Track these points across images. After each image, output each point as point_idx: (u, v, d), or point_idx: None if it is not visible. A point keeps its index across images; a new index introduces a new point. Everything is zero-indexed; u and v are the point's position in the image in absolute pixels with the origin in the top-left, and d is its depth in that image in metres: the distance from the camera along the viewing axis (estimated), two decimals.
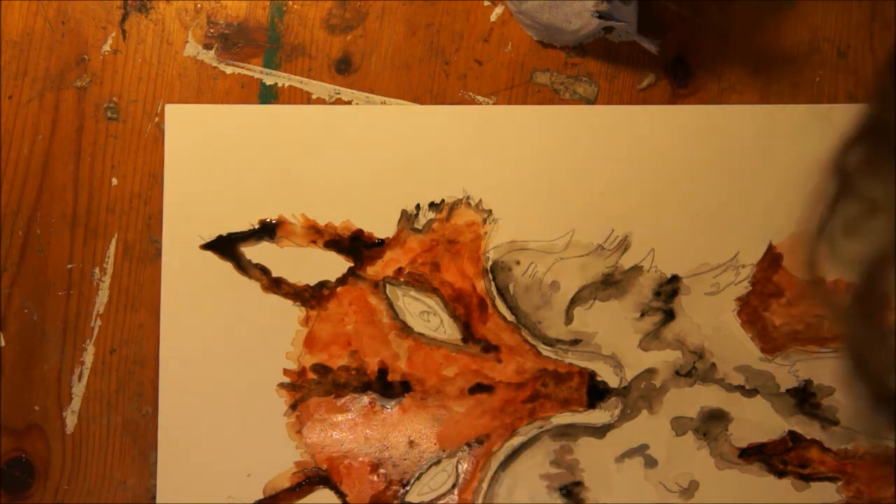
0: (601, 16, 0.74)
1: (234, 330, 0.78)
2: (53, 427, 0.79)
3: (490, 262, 0.78)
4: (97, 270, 0.79)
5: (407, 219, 0.78)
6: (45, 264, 0.79)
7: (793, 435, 0.77)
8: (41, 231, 0.79)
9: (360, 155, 0.79)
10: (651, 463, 0.77)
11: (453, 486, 0.77)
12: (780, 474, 0.76)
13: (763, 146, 0.78)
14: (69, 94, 0.80)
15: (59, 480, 0.79)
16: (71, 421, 0.79)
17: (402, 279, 0.78)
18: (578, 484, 0.77)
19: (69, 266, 0.79)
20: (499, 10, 0.80)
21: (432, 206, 0.79)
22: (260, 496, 0.78)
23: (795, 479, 0.76)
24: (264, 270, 0.79)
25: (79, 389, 0.79)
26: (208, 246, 0.79)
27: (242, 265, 0.79)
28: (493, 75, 0.80)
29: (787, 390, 0.77)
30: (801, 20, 0.80)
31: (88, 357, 0.79)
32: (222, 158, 0.79)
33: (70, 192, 0.79)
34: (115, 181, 0.79)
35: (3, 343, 0.79)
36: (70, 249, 0.79)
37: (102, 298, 0.79)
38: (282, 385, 0.78)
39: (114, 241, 0.79)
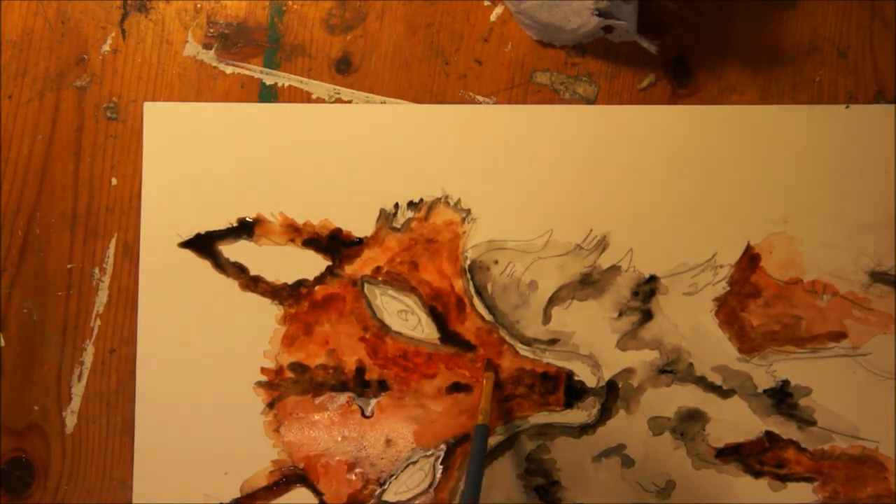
0: (601, 14, 0.74)
1: (212, 328, 0.78)
2: (53, 427, 0.79)
3: (468, 262, 0.78)
4: (97, 270, 0.79)
5: (385, 218, 0.78)
6: (45, 264, 0.79)
7: (770, 435, 0.77)
8: (41, 231, 0.80)
9: (339, 153, 0.79)
10: (628, 463, 0.77)
11: (430, 485, 0.78)
12: (757, 474, 0.76)
13: (740, 147, 0.78)
14: (69, 94, 0.80)
15: (59, 480, 0.79)
16: (71, 421, 0.79)
17: (380, 278, 0.78)
18: (555, 484, 0.77)
19: (69, 266, 0.79)
20: (499, 9, 0.80)
21: (411, 205, 0.78)
22: (237, 495, 0.78)
23: (772, 479, 0.76)
24: (242, 269, 0.79)
25: (78, 389, 0.79)
26: (186, 244, 0.79)
27: (220, 263, 0.79)
28: (493, 75, 0.79)
29: (765, 391, 0.77)
30: (801, 20, 0.79)
31: (88, 357, 0.79)
32: (201, 156, 0.79)
33: (70, 192, 0.80)
34: (115, 181, 0.80)
35: (3, 343, 0.80)
36: (70, 249, 0.79)
37: (102, 298, 0.79)
38: (259, 384, 0.78)
39: (114, 241, 0.79)
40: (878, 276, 0.77)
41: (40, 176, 0.80)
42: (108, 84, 0.80)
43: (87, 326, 0.79)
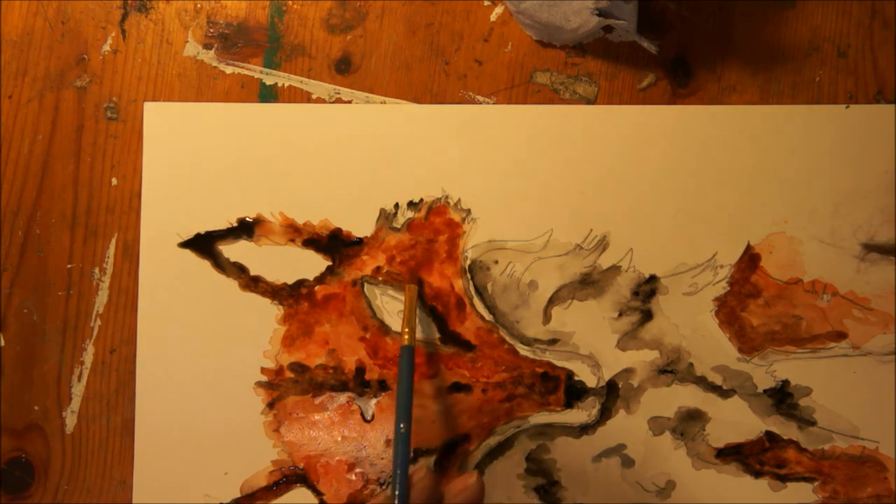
0: (601, 13, 0.74)
1: (212, 328, 0.78)
2: (53, 427, 0.79)
3: (468, 262, 0.78)
4: (97, 270, 0.79)
5: (385, 218, 0.78)
6: (45, 264, 0.79)
7: (770, 435, 0.77)
8: (41, 231, 0.79)
9: (339, 153, 0.79)
10: (628, 463, 0.76)
11: None
12: (757, 474, 0.76)
13: (740, 147, 0.78)
14: (69, 94, 0.80)
15: (59, 480, 0.79)
16: (71, 421, 0.79)
17: (380, 278, 0.78)
18: (555, 484, 0.77)
19: (69, 266, 0.79)
20: (499, 9, 0.80)
21: (411, 205, 0.78)
22: (237, 495, 0.78)
23: (772, 479, 0.76)
24: (242, 269, 0.78)
25: (79, 389, 0.79)
26: (186, 244, 0.79)
27: (220, 263, 0.79)
28: (493, 75, 0.79)
29: (765, 390, 0.77)
30: (801, 20, 0.79)
31: (88, 357, 0.79)
32: (201, 156, 0.79)
33: (70, 192, 0.79)
34: (115, 181, 0.79)
35: (3, 343, 0.79)
36: (70, 249, 0.79)
37: (102, 298, 0.79)
38: (259, 384, 0.78)
39: (114, 241, 0.79)
40: (872, 248, 0.78)
41: (40, 176, 0.80)
42: (108, 84, 0.80)
43: (87, 326, 0.79)
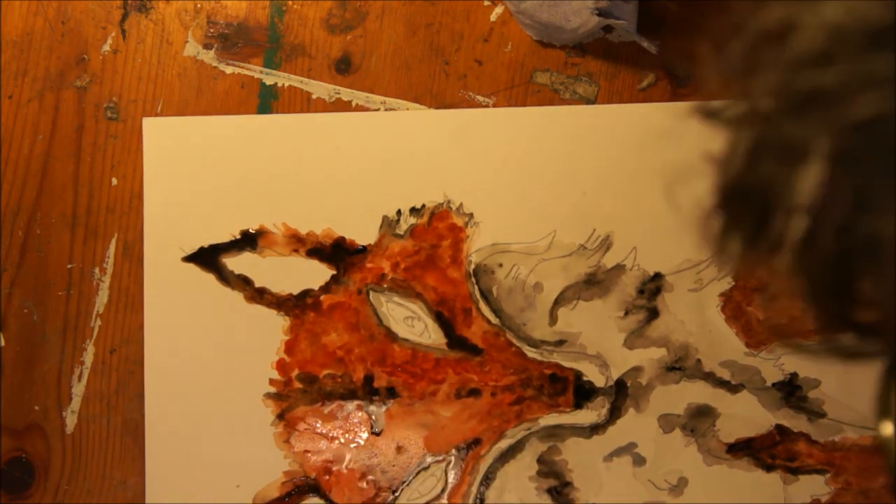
0: (601, 13, 0.74)
1: (219, 341, 0.79)
2: (53, 427, 0.79)
3: (473, 266, 0.78)
4: (97, 270, 0.79)
5: (388, 225, 0.78)
6: (45, 264, 0.79)
7: (780, 429, 0.76)
8: (41, 231, 0.79)
9: (340, 162, 0.79)
10: (639, 461, 0.77)
11: (442, 490, 0.77)
12: (769, 468, 0.76)
13: None
14: (69, 94, 0.80)
15: (59, 480, 0.79)
16: (71, 421, 0.79)
17: (385, 285, 0.78)
18: (567, 485, 0.77)
19: (69, 266, 0.79)
20: (499, 10, 0.80)
21: (413, 211, 0.78)
22: None
23: (784, 472, 0.76)
24: (247, 281, 0.78)
25: (79, 389, 0.79)
26: (190, 258, 0.79)
27: (225, 276, 0.79)
28: (493, 75, 0.79)
29: (774, 384, 0.77)
30: None
31: (88, 357, 0.79)
32: (202, 169, 0.79)
33: (70, 192, 0.79)
34: (115, 181, 0.79)
35: (3, 343, 0.79)
36: (70, 249, 0.79)
37: (102, 298, 0.79)
38: (268, 395, 0.78)
39: (114, 241, 0.79)
40: None
41: (40, 176, 0.80)
42: (108, 84, 0.80)
43: (87, 326, 0.79)
